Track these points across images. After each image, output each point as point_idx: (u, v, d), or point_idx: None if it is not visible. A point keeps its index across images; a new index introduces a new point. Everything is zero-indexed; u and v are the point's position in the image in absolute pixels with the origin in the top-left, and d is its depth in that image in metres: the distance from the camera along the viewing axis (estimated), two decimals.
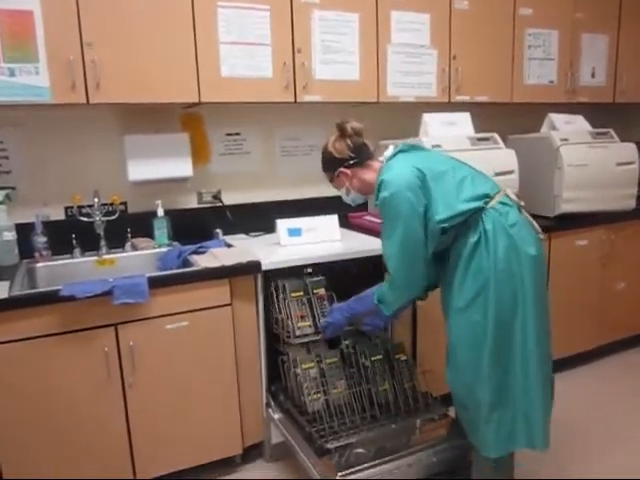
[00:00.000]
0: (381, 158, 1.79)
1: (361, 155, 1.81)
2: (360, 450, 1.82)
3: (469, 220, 1.61)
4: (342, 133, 1.82)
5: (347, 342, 2.09)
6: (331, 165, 1.86)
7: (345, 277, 2.37)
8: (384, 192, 1.65)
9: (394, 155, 1.75)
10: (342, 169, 1.82)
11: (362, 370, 2.02)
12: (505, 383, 1.64)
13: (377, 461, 1.75)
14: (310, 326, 2.04)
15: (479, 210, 1.61)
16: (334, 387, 1.99)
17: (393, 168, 1.68)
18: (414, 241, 1.63)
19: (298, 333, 2.02)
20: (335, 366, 2.03)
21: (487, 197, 1.64)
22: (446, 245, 1.69)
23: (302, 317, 2.06)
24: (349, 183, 1.85)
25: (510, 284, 1.59)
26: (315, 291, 2.13)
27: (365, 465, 1.72)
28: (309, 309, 2.08)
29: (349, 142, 1.80)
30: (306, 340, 2.05)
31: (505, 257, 1.58)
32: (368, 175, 1.81)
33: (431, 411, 2.01)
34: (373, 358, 2.04)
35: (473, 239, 1.60)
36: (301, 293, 2.11)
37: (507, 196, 1.69)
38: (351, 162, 1.81)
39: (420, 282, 1.71)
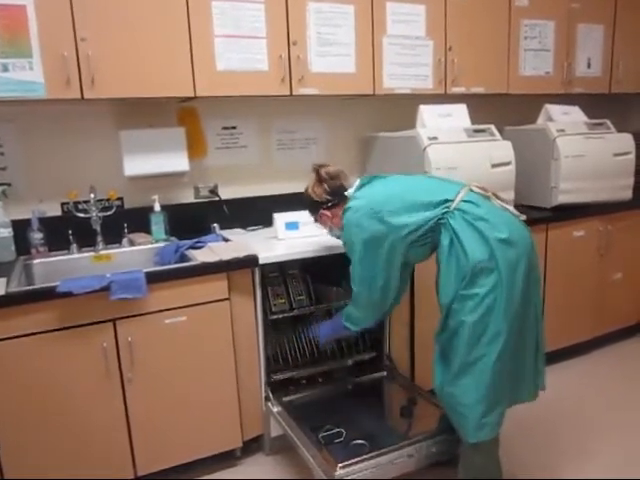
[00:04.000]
0: (350, 190, 1.92)
1: (338, 196, 1.94)
2: (360, 441, 1.84)
3: (438, 227, 1.71)
4: (318, 178, 1.96)
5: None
6: (312, 208, 2.01)
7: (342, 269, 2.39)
8: (342, 231, 1.88)
9: (358, 189, 1.90)
10: (322, 211, 1.97)
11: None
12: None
13: (377, 452, 1.76)
14: (285, 303, 2.29)
15: (444, 215, 1.70)
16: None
17: (350, 208, 1.84)
18: (370, 267, 1.80)
19: (274, 309, 2.24)
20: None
21: (447, 201, 1.72)
22: (427, 256, 1.84)
23: (278, 295, 2.28)
24: (330, 222, 1.99)
25: (489, 273, 1.64)
26: (290, 272, 2.35)
27: (365, 456, 1.74)
28: (284, 288, 2.30)
29: (326, 186, 1.94)
30: (280, 317, 2.27)
31: (478, 249, 1.64)
32: (342, 211, 1.91)
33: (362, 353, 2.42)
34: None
35: (446, 241, 1.69)
36: (277, 274, 2.31)
37: (472, 191, 1.77)
38: (329, 204, 1.95)
39: (383, 301, 1.87)
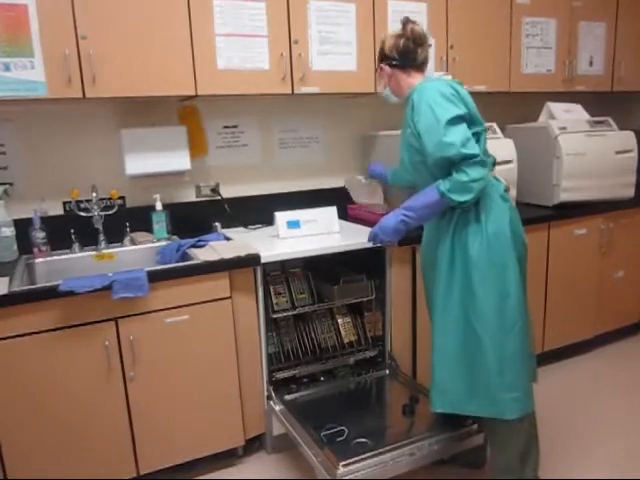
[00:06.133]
0: (441, 74, 1.87)
1: (406, 60, 1.83)
2: (362, 440, 1.84)
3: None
4: (402, 32, 1.83)
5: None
6: (379, 57, 1.91)
7: (343, 267, 2.39)
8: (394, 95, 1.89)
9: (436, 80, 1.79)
10: (384, 65, 1.87)
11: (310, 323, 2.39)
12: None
13: (378, 450, 1.76)
14: (287, 302, 2.30)
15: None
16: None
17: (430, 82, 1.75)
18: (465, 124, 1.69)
19: (276, 308, 2.25)
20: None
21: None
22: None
23: (279, 294, 2.28)
24: (387, 79, 1.89)
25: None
26: (292, 270, 2.35)
27: (367, 455, 1.74)
28: (286, 287, 2.31)
29: (400, 43, 1.82)
30: (282, 316, 2.29)
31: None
32: (404, 82, 1.85)
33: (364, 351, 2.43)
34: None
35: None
36: (278, 272, 2.32)
37: (494, 176, 1.88)
38: (393, 63, 1.84)
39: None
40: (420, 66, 1.85)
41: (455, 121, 1.65)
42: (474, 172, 1.64)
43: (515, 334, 1.73)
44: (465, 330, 1.77)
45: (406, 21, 1.83)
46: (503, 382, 1.72)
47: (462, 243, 1.76)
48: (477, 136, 1.74)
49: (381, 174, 2.38)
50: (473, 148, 1.64)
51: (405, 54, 1.82)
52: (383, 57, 1.87)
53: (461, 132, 1.64)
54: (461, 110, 1.67)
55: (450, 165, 1.66)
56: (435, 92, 1.68)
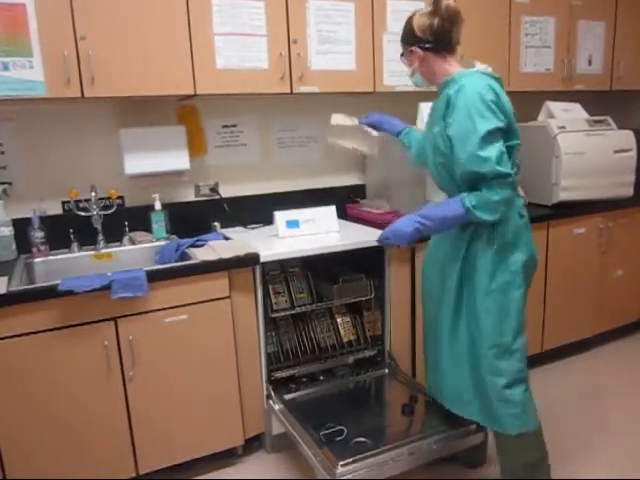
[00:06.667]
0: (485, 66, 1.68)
1: (441, 43, 1.66)
2: (361, 439, 1.84)
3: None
4: (434, 9, 1.64)
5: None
6: (407, 39, 1.72)
7: (342, 267, 2.39)
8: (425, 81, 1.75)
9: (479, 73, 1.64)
10: (415, 48, 1.69)
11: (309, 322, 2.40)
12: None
13: (378, 450, 1.76)
14: (286, 301, 2.29)
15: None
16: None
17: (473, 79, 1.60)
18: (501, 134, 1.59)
19: (275, 307, 2.25)
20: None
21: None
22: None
23: (279, 293, 2.28)
24: (417, 64, 1.72)
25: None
26: (291, 269, 2.35)
27: (366, 454, 1.74)
28: (285, 286, 2.30)
29: (434, 23, 1.64)
30: (281, 315, 2.29)
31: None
32: (439, 67, 1.69)
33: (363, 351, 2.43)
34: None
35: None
36: (278, 272, 2.31)
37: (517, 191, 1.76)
38: (427, 45, 1.66)
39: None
40: (454, 48, 1.70)
41: (493, 134, 1.54)
42: (505, 192, 1.56)
43: (513, 352, 1.72)
44: (471, 351, 1.78)
45: None
46: (501, 398, 1.72)
47: (472, 267, 1.72)
48: (510, 150, 1.63)
49: (382, 123, 2.16)
50: (507, 166, 1.55)
51: (440, 36, 1.65)
52: (413, 39, 1.68)
53: (498, 147, 1.54)
54: (501, 122, 1.57)
55: (479, 180, 1.56)
56: (476, 96, 1.55)
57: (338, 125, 2.26)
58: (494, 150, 1.53)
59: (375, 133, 2.20)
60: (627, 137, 2.91)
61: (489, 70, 1.68)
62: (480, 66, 1.69)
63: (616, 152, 2.86)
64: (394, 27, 2.54)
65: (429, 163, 1.81)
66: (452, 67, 1.70)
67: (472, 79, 1.60)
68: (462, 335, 1.78)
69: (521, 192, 1.79)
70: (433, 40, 1.66)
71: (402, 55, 1.79)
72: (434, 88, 1.80)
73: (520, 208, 1.73)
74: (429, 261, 1.96)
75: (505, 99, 1.63)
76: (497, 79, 1.67)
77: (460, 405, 1.85)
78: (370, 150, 2.25)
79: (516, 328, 1.72)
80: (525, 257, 1.71)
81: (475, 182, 1.57)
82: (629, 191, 2.95)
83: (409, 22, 1.71)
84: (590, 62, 3.20)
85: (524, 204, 1.77)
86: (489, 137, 1.53)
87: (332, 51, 2.41)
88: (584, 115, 2.97)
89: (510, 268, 1.69)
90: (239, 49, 2.22)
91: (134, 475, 2.01)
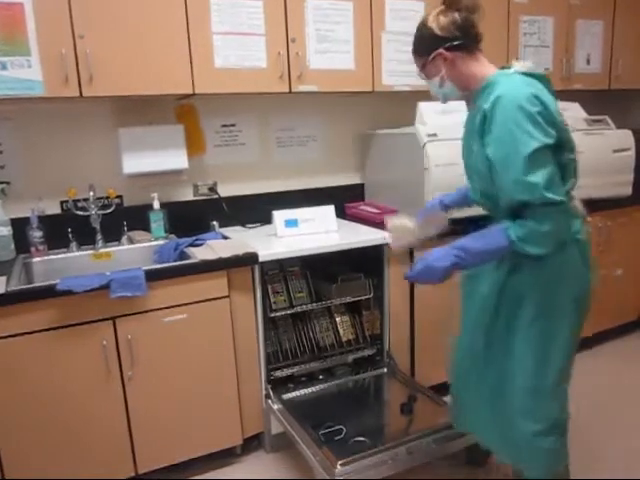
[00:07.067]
0: (527, 64, 1.43)
1: (469, 37, 1.43)
2: (360, 438, 1.84)
3: None
4: (449, 3, 1.44)
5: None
6: (427, 45, 1.46)
7: (341, 266, 2.39)
8: (458, 88, 1.49)
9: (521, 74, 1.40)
10: (442, 50, 1.43)
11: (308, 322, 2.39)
12: None
13: (377, 449, 1.76)
14: (285, 301, 2.29)
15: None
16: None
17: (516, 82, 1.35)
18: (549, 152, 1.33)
19: (274, 307, 2.25)
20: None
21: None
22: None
23: (278, 292, 2.27)
24: (446, 70, 1.46)
25: None
26: (289, 269, 2.34)
27: (365, 453, 1.74)
28: (284, 285, 2.30)
29: (457, 17, 1.41)
30: (280, 314, 2.28)
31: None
32: (474, 68, 1.44)
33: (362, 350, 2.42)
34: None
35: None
36: (276, 271, 2.31)
37: (573, 206, 1.54)
38: (455, 43, 1.42)
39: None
40: (480, 44, 1.47)
41: (541, 154, 1.30)
42: (556, 222, 1.32)
43: (552, 396, 1.54)
44: (501, 389, 1.60)
45: None
46: (530, 445, 1.54)
47: (513, 299, 1.52)
48: (564, 168, 1.40)
49: (434, 206, 1.86)
50: (558, 192, 1.31)
51: (468, 29, 1.42)
52: (436, 41, 1.44)
53: (547, 170, 1.30)
54: (549, 138, 1.31)
55: (525, 208, 1.33)
56: (516, 108, 1.30)
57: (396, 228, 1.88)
58: (542, 174, 1.29)
59: (443, 218, 1.85)
60: (626, 136, 2.91)
61: (531, 67, 1.41)
62: (518, 64, 1.43)
63: (615, 151, 2.87)
64: (393, 26, 2.54)
65: (474, 187, 1.56)
66: (486, 68, 1.46)
67: (511, 86, 1.35)
68: (495, 370, 1.60)
69: (578, 205, 1.55)
70: (461, 35, 1.42)
71: (422, 69, 1.54)
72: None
73: (577, 232, 1.48)
74: (466, 292, 1.75)
75: (554, 107, 1.36)
76: (542, 78, 1.41)
77: (484, 437, 1.70)
78: (435, 231, 1.86)
79: (559, 371, 1.52)
80: (578, 290, 1.50)
81: (521, 210, 1.35)
82: (628, 190, 2.95)
83: (424, 26, 1.48)
84: (588, 61, 3.20)
85: (584, 220, 1.52)
86: (535, 158, 1.29)
87: (331, 50, 2.41)
88: (583, 114, 2.97)
89: (559, 303, 1.48)
90: (238, 48, 2.22)
91: (133, 474, 2.01)
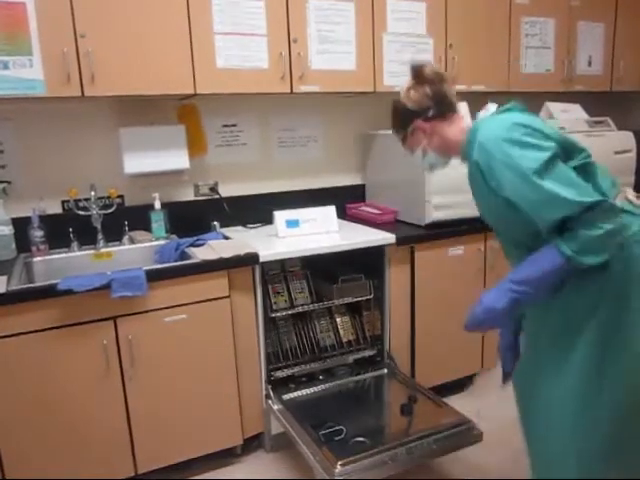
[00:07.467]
0: (491, 110, 1.46)
1: (442, 106, 1.48)
2: (360, 439, 1.84)
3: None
4: (419, 79, 1.48)
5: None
6: (404, 119, 1.52)
7: (342, 266, 2.39)
8: (442, 154, 1.51)
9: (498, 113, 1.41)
10: (419, 122, 1.49)
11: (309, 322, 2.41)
12: None
13: (377, 449, 1.76)
14: (286, 301, 2.29)
15: None
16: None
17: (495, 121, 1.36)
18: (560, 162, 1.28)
19: (275, 307, 2.24)
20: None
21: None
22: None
23: (278, 293, 2.27)
24: (427, 141, 1.51)
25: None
26: (290, 269, 2.34)
27: (365, 453, 1.74)
28: (285, 286, 2.30)
29: (427, 90, 1.47)
30: (280, 315, 2.29)
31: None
32: (450, 131, 1.48)
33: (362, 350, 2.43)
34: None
35: None
36: (277, 271, 2.31)
37: (628, 201, 1.38)
38: (430, 114, 1.47)
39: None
40: (456, 107, 1.51)
41: (548, 166, 1.24)
42: (609, 222, 1.21)
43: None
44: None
45: (418, 65, 1.51)
46: None
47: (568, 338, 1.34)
48: (584, 168, 1.33)
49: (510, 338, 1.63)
50: (589, 193, 1.23)
51: (439, 98, 1.48)
52: (411, 115, 1.50)
53: (564, 178, 1.24)
54: (546, 151, 1.26)
55: (568, 222, 1.24)
56: (500, 143, 1.29)
57: None
58: (562, 184, 1.23)
59: None
60: (627, 138, 2.91)
61: (494, 108, 1.46)
62: (491, 107, 1.48)
63: (616, 153, 2.86)
64: (394, 27, 2.54)
65: (506, 240, 1.50)
66: (462, 123, 1.51)
67: (488, 127, 1.35)
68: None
69: (635, 200, 1.39)
70: (434, 105, 1.47)
71: (404, 143, 1.58)
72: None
73: (638, 232, 1.30)
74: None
75: (539, 123, 1.34)
76: (515, 108, 1.42)
77: None
78: None
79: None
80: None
81: (565, 225, 1.25)
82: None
83: (398, 102, 1.54)
84: (590, 63, 3.20)
85: None
86: (544, 173, 1.24)
87: (332, 51, 2.41)
88: (584, 116, 2.97)
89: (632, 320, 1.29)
90: (239, 48, 2.22)
91: (133, 474, 2.01)
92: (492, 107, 1.47)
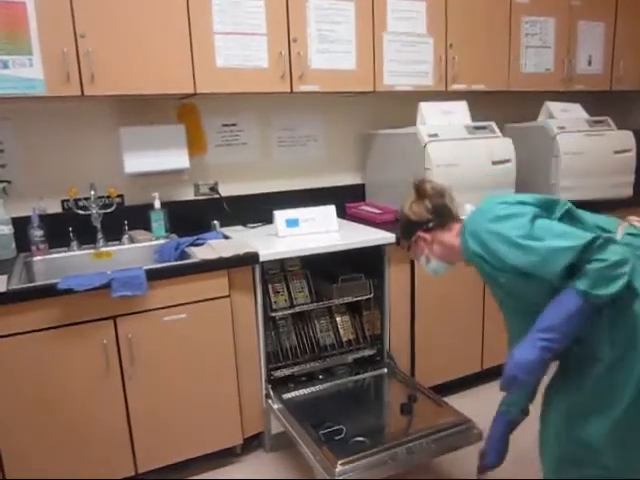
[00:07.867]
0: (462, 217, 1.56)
1: (442, 217, 1.58)
2: (360, 438, 1.84)
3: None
4: (420, 195, 1.61)
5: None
6: (408, 230, 1.63)
7: (341, 266, 2.39)
8: (442, 261, 1.59)
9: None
10: (420, 233, 1.59)
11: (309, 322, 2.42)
12: None
13: (377, 449, 1.76)
14: (285, 300, 2.30)
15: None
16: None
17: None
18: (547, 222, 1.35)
19: (275, 307, 2.25)
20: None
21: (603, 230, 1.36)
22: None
23: (278, 292, 2.28)
24: (429, 250, 1.61)
25: None
26: (290, 269, 2.35)
27: (365, 453, 1.74)
28: (285, 285, 2.31)
29: (427, 204, 1.59)
30: (280, 314, 2.30)
31: None
32: (449, 238, 1.56)
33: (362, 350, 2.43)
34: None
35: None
36: (277, 271, 2.32)
37: (633, 226, 1.43)
38: (430, 225, 1.57)
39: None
40: (457, 217, 1.58)
41: (533, 227, 1.31)
42: (610, 253, 1.23)
43: None
44: None
45: (419, 183, 1.62)
46: None
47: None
48: (569, 215, 1.40)
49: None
50: (581, 235, 1.27)
51: (439, 211, 1.57)
52: (413, 227, 1.60)
53: (551, 232, 1.30)
54: (527, 215, 1.33)
55: (575, 265, 1.26)
56: (487, 226, 1.37)
57: None
58: (552, 236, 1.29)
59: None
60: (627, 137, 2.91)
61: (471, 207, 1.56)
62: (468, 208, 1.58)
63: (616, 152, 2.86)
64: (394, 27, 2.54)
65: (511, 320, 1.56)
66: (458, 227, 1.56)
67: (473, 219, 1.45)
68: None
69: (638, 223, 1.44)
70: (434, 217, 1.57)
71: (409, 250, 1.68)
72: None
73: None
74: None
75: (511, 195, 1.44)
76: (494, 197, 1.51)
77: None
78: None
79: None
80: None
81: (574, 270, 1.28)
82: (629, 191, 2.95)
83: (402, 216, 1.65)
84: (590, 62, 3.20)
85: None
86: (533, 231, 1.30)
87: (332, 50, 2.41)
88: (584, 115, 2.97)
89: None
90: (239, 48, 2.22)
91: (133, 474, 2.01)
92: (469, 207, 1.57)
